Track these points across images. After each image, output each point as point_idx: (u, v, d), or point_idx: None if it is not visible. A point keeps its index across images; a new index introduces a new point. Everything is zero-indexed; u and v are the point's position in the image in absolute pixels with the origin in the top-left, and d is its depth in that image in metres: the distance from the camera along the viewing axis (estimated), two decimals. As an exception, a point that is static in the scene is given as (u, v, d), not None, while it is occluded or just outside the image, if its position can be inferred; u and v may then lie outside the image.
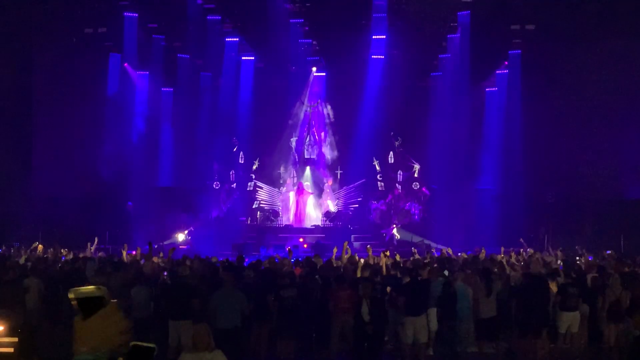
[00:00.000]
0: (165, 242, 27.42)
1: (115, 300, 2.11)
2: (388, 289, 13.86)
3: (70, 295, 2.09)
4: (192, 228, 30.14)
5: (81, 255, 20.24)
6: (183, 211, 30.42)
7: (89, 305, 2.10)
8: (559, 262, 19.28)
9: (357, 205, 32.06)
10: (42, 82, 29.90)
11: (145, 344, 2.20)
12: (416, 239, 28.24)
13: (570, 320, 13.98)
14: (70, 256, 19.53)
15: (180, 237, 29.50)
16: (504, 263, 17.15)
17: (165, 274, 16.07)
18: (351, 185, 32.43)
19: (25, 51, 28.68)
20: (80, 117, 29.37)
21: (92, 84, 29.94)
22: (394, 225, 30.10)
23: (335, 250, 19.42)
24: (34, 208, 28.13)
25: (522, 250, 22.27)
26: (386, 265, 16.40)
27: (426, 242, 27.81)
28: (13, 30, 27.14)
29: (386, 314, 13.38)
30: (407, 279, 14.17)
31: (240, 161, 33.02)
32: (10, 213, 26.55)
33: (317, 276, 14.97)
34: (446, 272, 15.78)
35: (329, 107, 33.19)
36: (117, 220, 29.08)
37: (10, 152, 27.24)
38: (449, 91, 31.82)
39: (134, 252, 20.46)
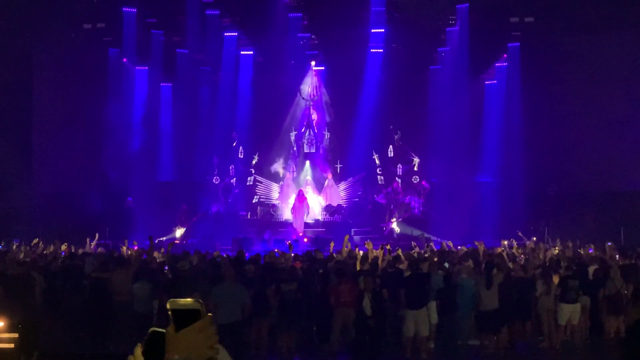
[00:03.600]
0: (164, 238, 27.39)
1: (211, 315, 2.15)
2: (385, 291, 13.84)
3: (168, 306, 2.12)
4: (185, 223, 29.92)
5: (81, 250, 20.27)
6: (183, 206, 30.42)
7: (185, 317, 2.14)
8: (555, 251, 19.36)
9: (357, 199, 32.04)
10: (41, 78, 29.86)
11: (163, 330, 2.23)
12: (416, 232, 28.20)
13: (570, 312, 14.02)
14: (69, 252, 19.51)
15: (178, 232, 29.44)
16: (504, 255, 17.18)
17: (166, 268, 16.10)
18: (351, 179, 32.40)
19: (25, 47, 28.63)
20: (80, 112, 29.33)
21: (91, 80, 29.87)
22: (393, 219, 30.07)
23: (332, 244, 19.42)
24: (34, 204, 28.12)
25: (525, 242, 22.29)
26: (387, 259, 16.41)
27: (426, 235, 27.79)
28: (12, 26, 27.10)
29: (387, 308, 13.41)
30: (408, 273, 14.20)
31: (239, 156, 32.94)
32: (10, 209, 26.55)
33: (320, 270, 14.98)
34: (447, 265, 15.81)
35: (327, 99, 33.11)
36: (117, 215, 29.08)
37: (10, 147, 27.21)
38: (448, 84, 31.73)
39: (135, 247, 20.46)
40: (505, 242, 22.24)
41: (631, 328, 9.21)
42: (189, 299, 2.16)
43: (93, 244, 22.37)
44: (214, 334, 2.16)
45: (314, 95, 33.10)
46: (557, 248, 20.73)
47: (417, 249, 21.27)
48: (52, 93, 29.37)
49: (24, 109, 29.29)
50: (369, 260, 15.25)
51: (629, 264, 16.09)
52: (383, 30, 31.44)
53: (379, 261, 15.79)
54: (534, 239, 23.50)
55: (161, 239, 26.50)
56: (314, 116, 33.03)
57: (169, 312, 2.13)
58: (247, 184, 32.54)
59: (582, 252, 19.70)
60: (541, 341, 14.80)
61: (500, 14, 29.18)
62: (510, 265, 15.94)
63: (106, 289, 14.25)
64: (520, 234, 24.49)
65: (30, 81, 29.79)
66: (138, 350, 2.21)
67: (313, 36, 32.12)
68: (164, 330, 2.21)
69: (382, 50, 32.03)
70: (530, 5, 28.39)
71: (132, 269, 15.17)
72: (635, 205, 26.54)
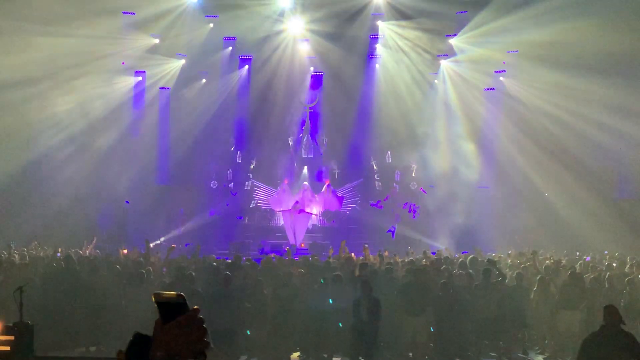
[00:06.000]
0: (161, 239, 27.33)
1: (197, 308, 2.13)
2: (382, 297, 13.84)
3: (153, 299, 2.11)
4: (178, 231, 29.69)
5: (78, 254, 20.22)
6: (180, 210, 30.38)
7: (170, 310, 2.12)
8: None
9: (354, 205, 32.03)
10: (39, 79, 29.74)
11: (147, 335, 2.21)
12: (414, 237, 28.19)
13: (570, 320, 14.02)
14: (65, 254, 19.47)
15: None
16: (503, 263, 17.20)
17: (164, 270, 16.11)
18: (349, 185, 32.39)
19: (22, 51, 28.54)
20: (78, 115, 29.29)
21: (90, 83, 29.82)
22: (394, 225, 30.00)
23: (331, 250, 19.45)
24: (32, 206, 28.04)
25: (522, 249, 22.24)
26: (383, 264, 16.40)
27: (424, 241, 27.78)
28: (10, 27, 27.05)
29: (384, 314, 13.38)
30: (407, 279, 14.20)
31: (237, 160, 32.97)
32: (7, 211, 26.49)
33: (320, 278, 14.96)
34: (445, 271, 15.80)
35: (326, 105, 33.10)
36: (114, 218, 29.04)
37: (7, 148, 27.17)
38: (448, 90, 31.82)
39: (125, 251, 20.42)
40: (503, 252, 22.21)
41: (586, 342, 9.27)
42: (172, 292, 2.15)
43: (90, 247, 22.32)
44: (201, 328, 2.13)
45: (312, 100, 33.12)
46: (552, 256, 20.70)
47: (414, 255, 21.25)
48: (51, 93, 29.25)
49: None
50: (367, 266, 15.25)
51: (626, 273, 16.12)
52: (382, 35, 31.54)
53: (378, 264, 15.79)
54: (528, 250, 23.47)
55: (157, 242, 26.44)
56: (312, 122, 33.06)
57: (156, 305, 2.12)
58: (245, 188, 32.52)
59: (579, 260, 19.70)
60: (538, 349, 14.82)
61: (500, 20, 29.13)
62: (507, 272, 15.94)
63: (98, 293, 14.26)
64: (516, 239, 24.48)
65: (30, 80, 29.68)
66: (120, 355, 2.19)
67: (312, 41, 32.10)
68: (147, 334, 2.20)
69: (381, 56, 32.12)
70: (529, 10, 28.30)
71: (124, 273, 15.17)
72: (632, 214, 26.57)
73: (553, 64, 28.00)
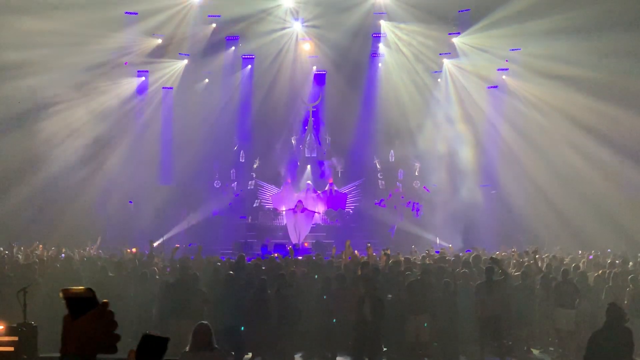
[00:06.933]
0: (163, 238, 27.33)
1: (106, 301, 2.11)
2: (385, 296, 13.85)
3: (60, 295, 2.10)
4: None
5: (82, 254, 20.27)
6: (184, 210, 30.36)
7: (79, 305, 2.10)
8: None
9: (357, 204, 32.00)
10: (44, 80, 29.79)
11: (158, 335, 2.20)
12: (418, 236, 28.15)
13: (565, 317, 14.05)
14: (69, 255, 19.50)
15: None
16: (506, 262, 17.19)
17: (169, 269, 16.13)
18: (352, 184, 32.36)
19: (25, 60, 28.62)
20: (81, 114, 29.31)
21: (93, 83, 29.86)
22: (394, 225, 29.97)
23: (334, 249, 19.45)
24: (35, 206, 28.09)
25: (526, 250, 22.21)
26: (387, 263, 16.41)
27: (427, 239, 27.73)
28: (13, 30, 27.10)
29: (387, 313, 13.39)
30: (410, 278, 14.20)
31: (240, 160, 32.97)
32: (10, 211, 26.52)
33: (321, 275, 14.98)
34: (449, 269, 15.80)
35: (328, 104, 33.07)
36: (117, 218, 29.03)
37: (13, 149, 27.22)
38: (450, 89, 31.79)
39: (133, 250, 20.45)
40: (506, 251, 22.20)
41: (591, 340, 9.29)
42: (81, 287, 2.14)
43: (95, 247, 22.35)
44: (111, 321, 2.13)
45: (315, 99, 33.13)
46: (554, 255, 20.68)
47: (417, 254, 21.25)
48: (54, 95, 29.27)
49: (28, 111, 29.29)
50: (370, 265, 15.26)
51: (629, 270, 16.12)
52: (385, 34, 31.54)
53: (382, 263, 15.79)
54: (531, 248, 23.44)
55: (159, 241, 26.42)
56: (315, 121, 33.06)
57: (64, 301, 2.11)
58: (248, 187, 32.52)
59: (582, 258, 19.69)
60: (541, 347, 14.83)
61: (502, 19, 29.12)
62: (510, 270, 15.94)
63: (102, 293, 14.25)
64: (520, 238, 24.45)
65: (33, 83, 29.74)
66: (132, 354, 2.21)
67: (314, 40, 32.11)
68: (157, 334, 2.20)
69: (384, 55, 32.10)
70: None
71: (131, 273, 15.20)
72: (633, 212, 26.53)
73: (553, 70, 28.09)
